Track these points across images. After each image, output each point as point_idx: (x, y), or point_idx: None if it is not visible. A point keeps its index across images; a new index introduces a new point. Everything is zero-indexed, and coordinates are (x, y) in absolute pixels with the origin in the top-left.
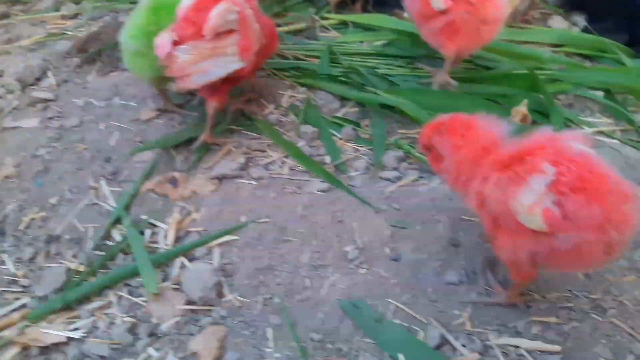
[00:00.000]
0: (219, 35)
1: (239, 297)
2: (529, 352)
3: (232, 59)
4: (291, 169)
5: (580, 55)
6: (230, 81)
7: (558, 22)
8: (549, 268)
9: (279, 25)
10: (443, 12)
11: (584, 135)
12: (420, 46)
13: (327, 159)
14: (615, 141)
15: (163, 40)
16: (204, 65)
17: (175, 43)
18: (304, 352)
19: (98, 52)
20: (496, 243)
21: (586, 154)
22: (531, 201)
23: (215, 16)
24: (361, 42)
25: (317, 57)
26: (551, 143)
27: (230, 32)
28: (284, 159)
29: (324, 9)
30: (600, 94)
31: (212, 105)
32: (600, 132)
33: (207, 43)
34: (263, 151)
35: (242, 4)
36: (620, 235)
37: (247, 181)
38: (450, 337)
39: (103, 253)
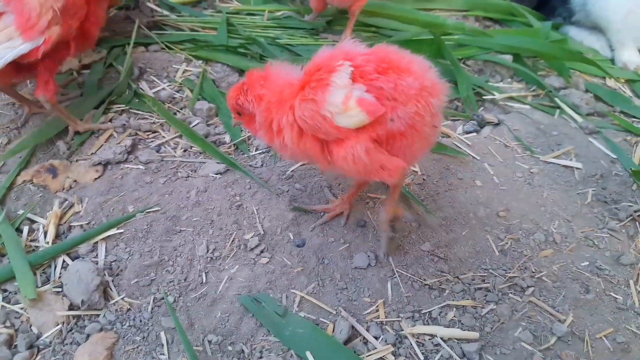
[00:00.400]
0: None
1: (127, 299)
2: (446, 341)
3: (12, 44)
4: (185, 150)
5: (490, 19)
6: (48, 62)
7: None
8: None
9: None
10: None
11: (360, 41)
12: (323, 16)
13: (227, 137)
14: (526, 106)
15: None
16: None
17: None
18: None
19: None
20: (337, 163)
21: (377, 47)
22: (342, 98)
23: None
24: (262, 12)
25: (215, 29)
26: (338, 50)
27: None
28: (178, 140)
29: None
30: (509, 58)
31: (43, 100)
32: (511, 98)
33: None
34: (154, 132)
35: None
36: (438, 100)
37: (135, 166)
38: (361, 329)
39: None
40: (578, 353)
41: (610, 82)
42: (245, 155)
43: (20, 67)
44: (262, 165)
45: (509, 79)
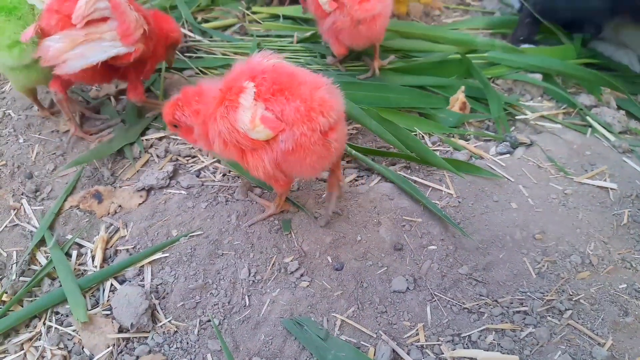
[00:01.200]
0: (92, 22)
1: (174, 322)
2: None
3: (113, 44)
4: (224, 174)
5: None
6: (134, 71)
7: (493, 3)
8: (293, 173)
9: (206, 21)
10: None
11: (273, 53)
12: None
13: None
14: (558, 125)
15: (26, 31)
16: (79, 51)
17: (42, 33)
18: None
19: None
20: (249, 167)
21: (277, 65)
22: (249, 117)
23: (82, 5)
24: (291, 36)
25: (247, 53)
26: (246, 66)
27: (104, 19)
28: (217, 164)
29: (254, 2)
30: (538, 76)
31: (135, 101)
32: (543, 117)
33: (80, 31)
34: (193, 157)
35: None
36: (327, 118)
37: (177, 191)
38: (402, 352)
39: (28, 279)
40: None
41: None
42: None
43: (113, 69)
44: (298, 189)
45: (539, 98)
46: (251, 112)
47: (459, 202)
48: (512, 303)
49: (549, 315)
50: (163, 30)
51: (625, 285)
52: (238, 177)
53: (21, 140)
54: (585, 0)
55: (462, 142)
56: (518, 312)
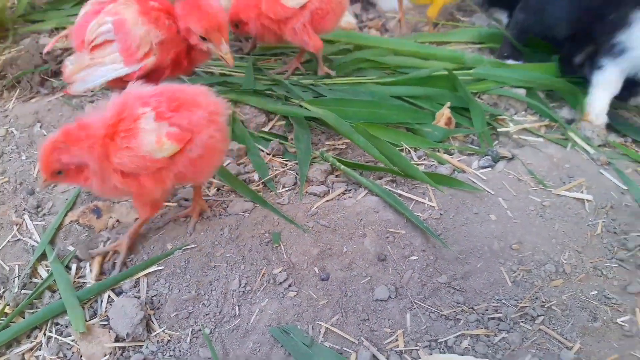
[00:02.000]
0: (98, 46)
1: (167, 331)
2: None
3: (114, 67)
4: (218, 189)
5: None
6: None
7: (482, 20)
8: (197, 179)
9: None
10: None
11: (142, 83)
12: None
13: (256, 176)
14: (539, 139)
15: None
16: (82, 74)
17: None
18: None
19: (16, 77)
20: (146, 192)
21: (162, 89)
22: (155, 138)
23: (88, 31)
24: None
25: (243, 73)
26: (128, 97)
27: (110, 41)
28: (211, 179)
29: None
30: (522, 92)
31: None
32: (525, 130)
33: (88, 54)
34: None
35: (119, 9)
36: (224, 116)
37: (173, 204)
38: (381, 357)
39: (30, 291)
40: None
41: (623, 112)
42: (273, 193)
43: (125, 82)
44: (288, 202)
45: (523, 112)
46: (156, 134)
47: (441, 214)
48: (487, 310)
49: (522, 321)
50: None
51: (596, 292)
52: (231, 192)
53: (23, 158)
54: (550, 28)
55: (446, 157)
56: (492, 318)
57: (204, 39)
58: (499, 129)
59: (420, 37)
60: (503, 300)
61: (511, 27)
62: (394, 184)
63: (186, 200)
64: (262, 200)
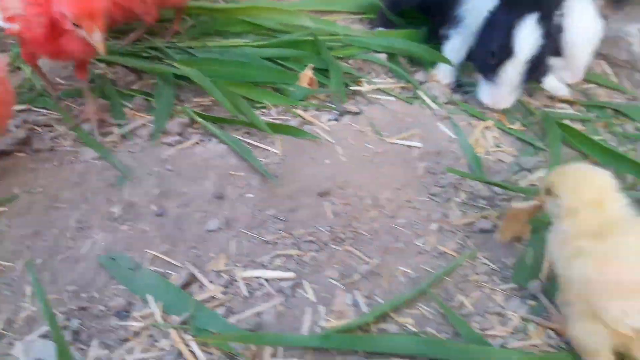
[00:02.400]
0: None
1: (2, 262)
2: (268, 280)
3: None
4: (75, 140)
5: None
6: None
7: None
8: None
9: None
10: None
11: None
12: None
13: (116, 130)
14: (391, 98)
15: None
16: None
17: None
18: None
19: None
20: None
21: None
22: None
23: None
24: None
25: None
26: None
27: None
28: (70, 132)
29: None
30: (383, 56)
31: None
32: (379, 90)
33: None
34: (49, 126)
35: None
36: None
37: (27, 154)
38: (199, 276)
39: None
40: (374, 285)
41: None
42: (129, 143)
43: None
44: (141, 151)
45: (384, 75)
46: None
47: (282, 160)
48: (303, 235)
49: (332, 244)
50: None
51: (405, 221)
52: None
53: None
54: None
55: (300, 111)
56: (307, 241)
57: (76, 25)
58: (352, 88)
59: (305, 3)
60: (320, 227)
61: None
62: (248, 135)
63: None
64: (102, 149)
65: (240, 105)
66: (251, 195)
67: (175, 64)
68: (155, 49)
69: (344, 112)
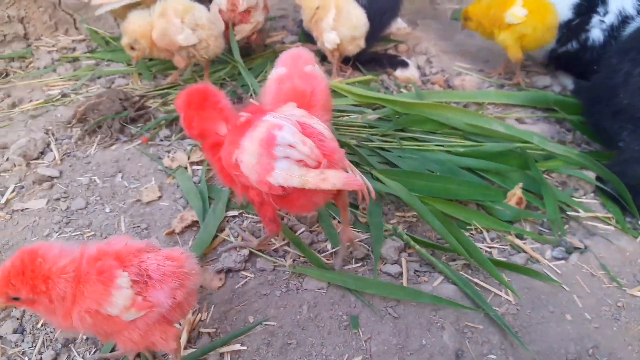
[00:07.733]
0: None
1: None
2: None
3: None
4: (294, 260)
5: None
6: None
7: (546, 82)
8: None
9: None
10: None
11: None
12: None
13: (329, 245)
14: (610, 227)
15: None
16: None
17: None
18: None
19: (98, 123)
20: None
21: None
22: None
23: None
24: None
25: None
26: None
27: None
28: (286, 247)
29: None
30: (592, 175)
31: None
32: (596, 218)
33: None
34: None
35: None
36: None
37: (251, 274)
38: None
39: None
40: None
41: None
42: (345, 267)
43: None
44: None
45: (592, 194)
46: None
47: (517, 309)
48: None
49: None
50: None
51: None
52: (306, 262)
53: (107, 210)
54: None
55: (518, 242)
56: None
57: None
58: (568, 213)
59: (484, 95)
60: None
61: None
62: (469, 271)
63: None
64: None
65: (451, 229)
66: (494, 357)
67: (375, 173)
68: (348, 148)
69: (570, 249)
